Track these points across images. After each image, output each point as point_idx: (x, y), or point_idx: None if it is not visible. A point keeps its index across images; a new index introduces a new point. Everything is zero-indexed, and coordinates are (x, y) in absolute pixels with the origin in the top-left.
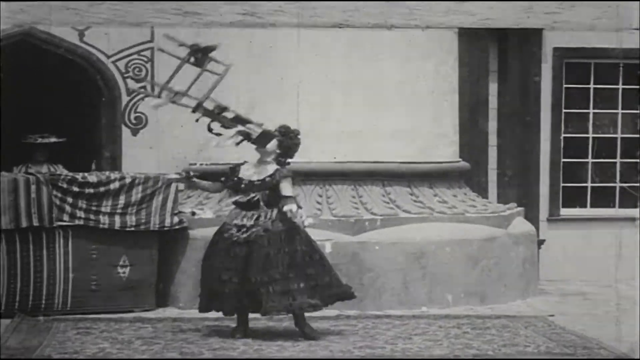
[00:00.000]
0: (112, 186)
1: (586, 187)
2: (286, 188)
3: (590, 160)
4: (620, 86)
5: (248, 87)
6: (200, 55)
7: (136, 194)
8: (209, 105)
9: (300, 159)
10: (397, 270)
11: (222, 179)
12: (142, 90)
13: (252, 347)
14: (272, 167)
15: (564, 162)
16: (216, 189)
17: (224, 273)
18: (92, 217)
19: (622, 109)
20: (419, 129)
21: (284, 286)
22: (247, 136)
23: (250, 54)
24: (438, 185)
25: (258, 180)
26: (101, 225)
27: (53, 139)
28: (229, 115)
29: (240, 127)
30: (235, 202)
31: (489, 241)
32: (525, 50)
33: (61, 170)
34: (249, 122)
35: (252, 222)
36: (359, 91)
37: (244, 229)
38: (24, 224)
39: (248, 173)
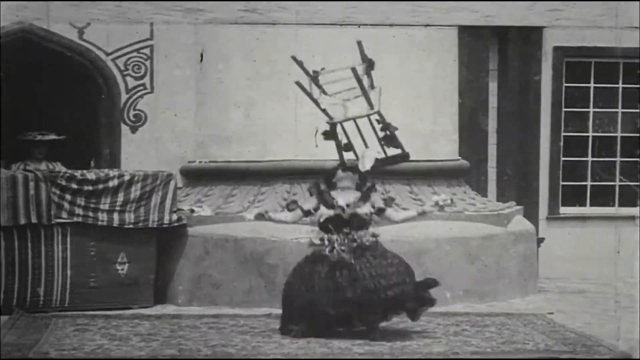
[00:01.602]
0: (110, 183)
1: (586, 185)
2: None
3: (590, 159)
4: (620, 85)
5: (248, 85)
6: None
7: (135, 192)
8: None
9: (299, 158)
10: None
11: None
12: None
13: (250, 344)
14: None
15: (563, 160)
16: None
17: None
18: (90, 214)
19: (622, 107)
20: (418, 127)
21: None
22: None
23: (250, 51)
24: (438, 183)
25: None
26: (100, 223)
27: (52, 137)
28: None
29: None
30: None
31: (488, 239)
32: (526, 49)
33: (60, 167)
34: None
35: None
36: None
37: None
38: (23, 221)
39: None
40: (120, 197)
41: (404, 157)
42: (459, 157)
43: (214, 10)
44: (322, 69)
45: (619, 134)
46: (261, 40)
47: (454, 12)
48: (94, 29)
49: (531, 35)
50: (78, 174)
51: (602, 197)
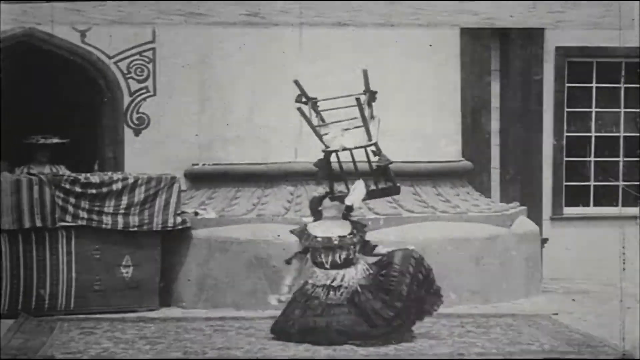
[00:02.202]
0: (114, 187)
1: (589, 185)
2: None
3: (592, 159)
4: (623, 85)
5: (251, 87)
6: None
7: (139, 195)
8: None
9: (301, 159)
10: None
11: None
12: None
13: (255, 346)
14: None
15: (566, 161)
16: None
17: None
18: (95, 217)
19: (625, 107)
20: (421, 128)
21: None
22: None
23: (252, 53)
24: (441, 184)
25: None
26: (104, 226)
27: (55, 140)
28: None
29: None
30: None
31: (492, 240)
32: (528, 50)
33: (63, 171)
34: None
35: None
36: (361, 90)
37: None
38: (27, 224)
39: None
40: (125, 200)
41: (396, 190)
42: (462, 158)
43: (216, 13)
44: (317, 100)
45: (621, 134)
46: (263, 42)
47: (456, 15)
48: (96, 32)
49: (533, 36)
50: (82, 177)
51: (605, 197)
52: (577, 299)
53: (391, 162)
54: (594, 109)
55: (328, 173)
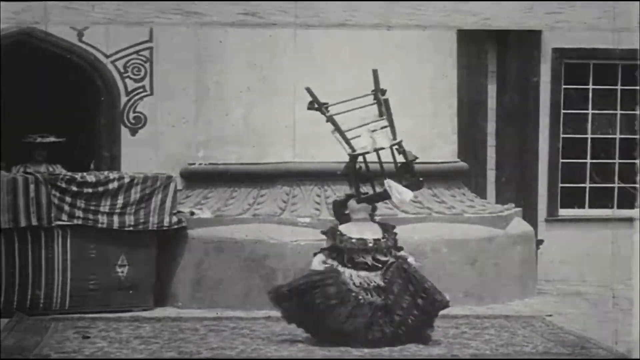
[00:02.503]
0: (110, 186)
1: (584, 187)
2: None
3: (588, 160)
4: (619, 87)
5: (248, 87)
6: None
7: (135, 194)
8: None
9: (298, 159)
10: None
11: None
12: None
13: (250, 346)
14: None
15: (562, 162)
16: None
17: None
18: (90, 216)
19: (621, 109)
20: (417, 129)
21: None
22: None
23: (249, 54)
24: (437, 185)
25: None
26: (100, 225)
27: (52, 139)
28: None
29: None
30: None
31: (487, 241)
32: (524, 51)
33: (60, 170)
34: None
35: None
36: (358, 91)
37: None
38: (23, 223)
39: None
40: (120, 200)
41: (420, 185)
42: (458, 159)
43: (213, 13)
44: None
45: (617, 136)
46: (260, 42)
47: (453, 15)
48: (94, 31)
49: (530, 37)
50: (78, 176)
51: (600, 199)
52: (572, 301)
53: (417, 158)
54: (590, 111)
55: (356, 175)
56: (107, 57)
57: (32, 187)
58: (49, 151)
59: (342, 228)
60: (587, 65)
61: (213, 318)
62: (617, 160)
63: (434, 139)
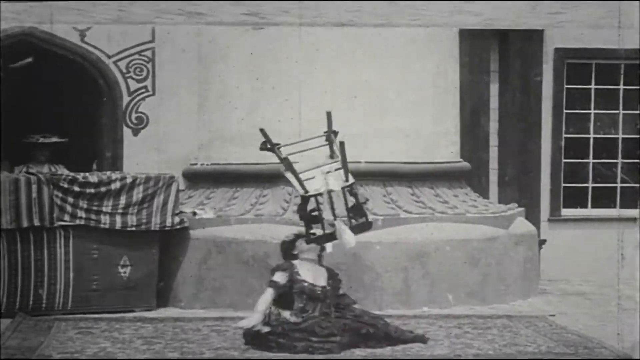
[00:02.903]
0: (113, 186)
1: (587, 187)
2: None
3: (591, 160)
4: (622, 87)
5: (250, 87)
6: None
7: (137, 194)
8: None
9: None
10: (398, 270)
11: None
12: None
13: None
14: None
15: (565, 162)
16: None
17: None
18: (93, 217)
19: (623, 109)
20: (420, 129)
21: None
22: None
23: (252, 54)
24: (439, 185)
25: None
26: (102, 225)
27: (54, 139)
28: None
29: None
30: None
31: (490, 241)
32: (527, 51)
33: (62, 170)
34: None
35: None
36: (361, 91)
37: None
38: (25, 223)
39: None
40: (123, 200)
41: (369, 225)
42: (461, 159)
43: (216, 13)
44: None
45: (620, 136)
46: (263, 42)
47: (456, 16)
48: (96, 31)
49: (532, 37)
50: (80, 176)
51: (603, 198)
52: (574, 300)
53: (368, 200)
54: (592, 111)
55: (308, 217)
56: (110, 57)
57: (34, 187)
58: (51, 151)
59: (298, 265)
60: (590, 65)
61: (216, 318)
62: (619, 160)
63: (437, 139)
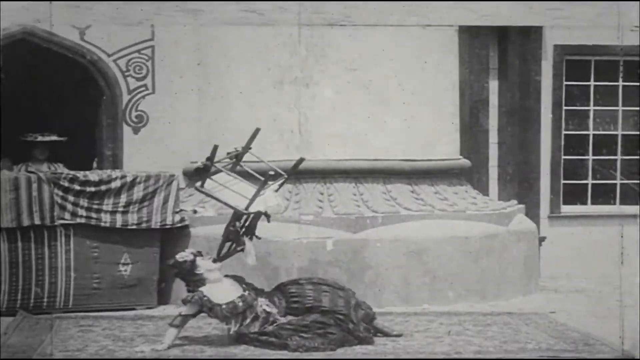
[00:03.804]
0: (113, 184)
1: (587, 184)
2: None
3: (590, 157)
4: (621, 83)
5: (249, 85)
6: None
7: (137, 192)
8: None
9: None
10: (399, 267)
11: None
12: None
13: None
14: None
15: (564, 159)
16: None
17: None
18: (93, 215)
19: (623, 106)
20: (419, 126)
21: None
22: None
23: (251, 51)
24: (439, 182)
25: None
26: (103, 224)
27: (54, 138)
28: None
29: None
30: None
31: (490, 238)
32: (526, 48)
33: (62, 169)
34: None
35: None
36: (360, 89)
37: None
38: (26, 222)
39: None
40: (123, 198)
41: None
42: (460, 156)
43: (215, 11)
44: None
45: (619, 132)
46: (262, 40)
47: (453, 12)
48: (95, 30)
49: (531, 34)
50: (80, 175)
51: (603, 195)
52: (575, 297)
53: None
54: (592, 107)
55: (233, 234)
56: (109, 55)
57: (34, 186)
58: (50, 150)
59: (207, 292)
60: (589, 62)
61: None
62: (619, 157)
63: (437, 136)
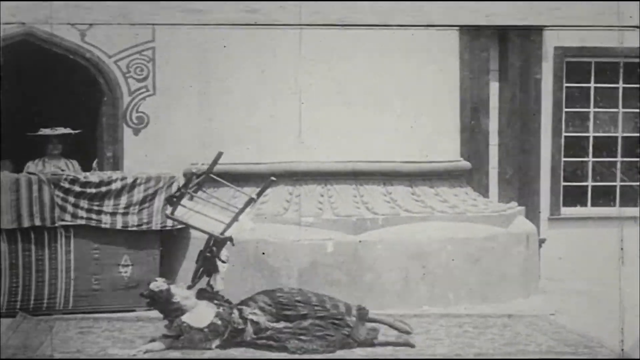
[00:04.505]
0: (113, 186)
1: (587, 186)
2: None
3: (590, 159)
4: (621, 85)
5: (249, 86)
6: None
7: (138, 194)
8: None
9: (301, 159)
10: (399, 269)
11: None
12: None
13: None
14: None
15: (564, 161)
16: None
17: None
18: (94, 216)
19: (623, 107)
20: (420, 128)
21: None
22: None
23: (252, 52)
24: (439, 184)
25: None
26: (103, 225)
27: (65, 131)
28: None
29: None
30: None
31: (490, 240)
32: (526, 49)
33: (77, 166)
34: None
35: None
36: (361, 90)
37: None
38: (26, 223)
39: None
40: (124, 200)
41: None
42: (461, 158)
43: (216, 11)
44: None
45: (619, 134)
46: (263, 41)
47: (454, 12)
48: (96, 31)
49: (531, 35)
50: (81, 176)
51: (603, 197)
52: (574, 299)
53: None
54: (592, 109)
55: (209, 259)
56: (110, 57)
57: (35, 187)
58: (65, 144)
59: (186, 319)
60: (589, 63)
61: None
62: (619, 159)
63: (437, 138)
